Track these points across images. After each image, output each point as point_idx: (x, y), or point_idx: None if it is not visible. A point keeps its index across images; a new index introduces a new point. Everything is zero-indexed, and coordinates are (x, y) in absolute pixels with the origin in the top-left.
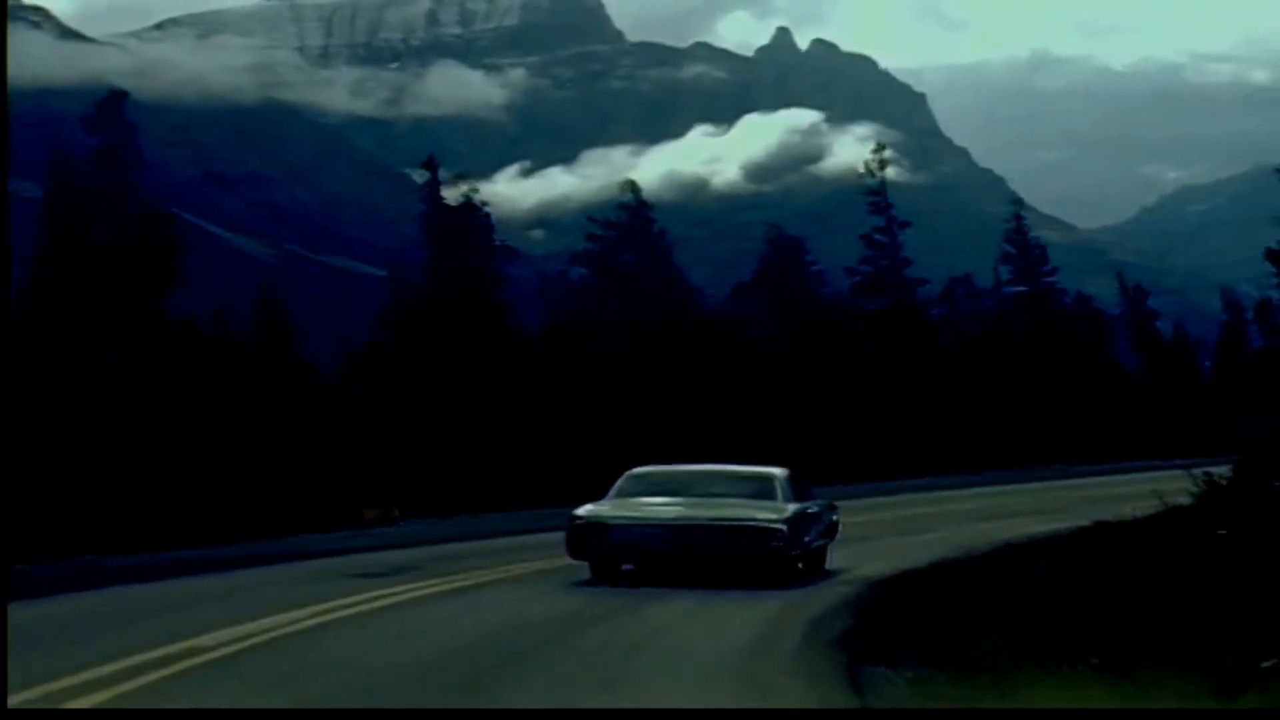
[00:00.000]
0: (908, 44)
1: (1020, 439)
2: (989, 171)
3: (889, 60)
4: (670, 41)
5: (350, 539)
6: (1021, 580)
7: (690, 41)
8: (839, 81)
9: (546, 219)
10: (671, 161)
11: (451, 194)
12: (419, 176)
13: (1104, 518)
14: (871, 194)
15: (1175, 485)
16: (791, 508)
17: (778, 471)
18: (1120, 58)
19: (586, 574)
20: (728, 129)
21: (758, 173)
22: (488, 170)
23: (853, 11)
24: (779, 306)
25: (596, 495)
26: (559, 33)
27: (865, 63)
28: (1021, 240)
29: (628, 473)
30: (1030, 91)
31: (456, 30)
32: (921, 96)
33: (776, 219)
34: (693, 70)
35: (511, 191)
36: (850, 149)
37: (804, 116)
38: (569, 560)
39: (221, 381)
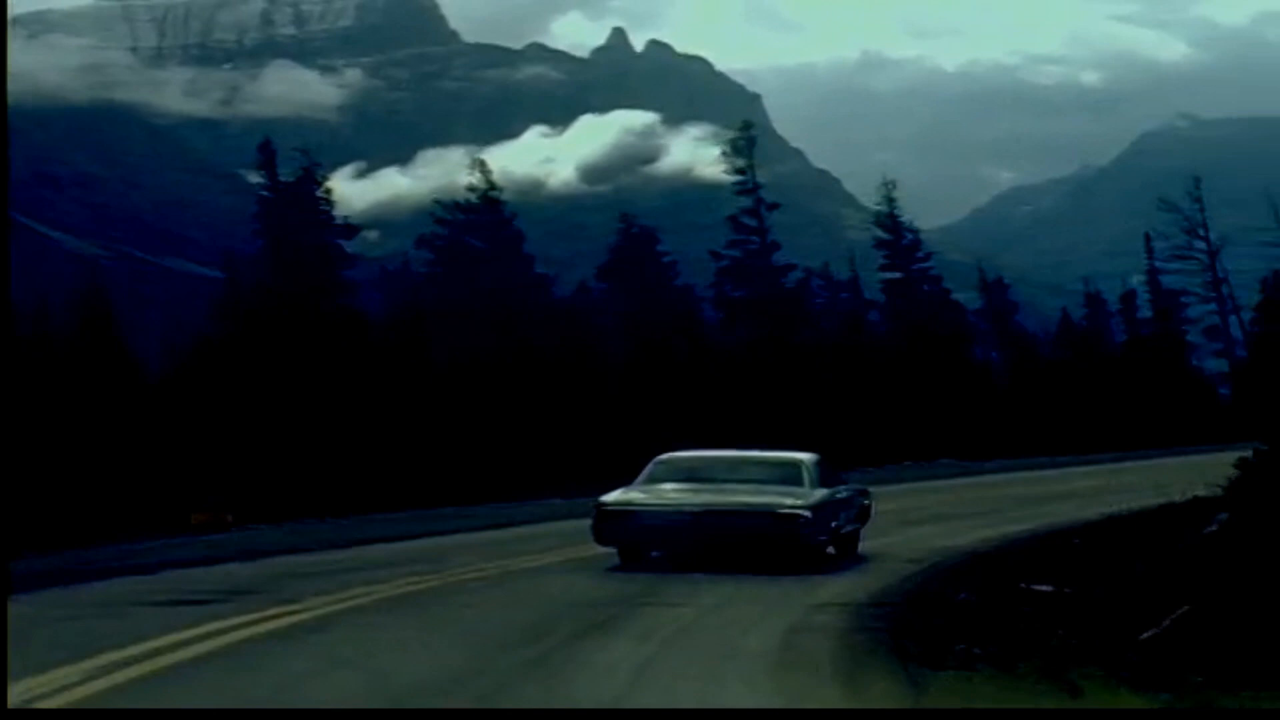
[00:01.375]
0: (742, 45)
1: (898, 433)
2: (825, 172)
3: (724, 61)
4: (506, 43)
5: (174, 549)
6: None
7: (526, 42)
8: (674, 82)
9: (381, 220)
10: (507, 162)
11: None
12: (254, 177)
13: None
14: (738, 173)
15: (1119, 480)
16: (819, 493)
17: (806, 457)
18: (952, 59)
19: (498, 601)
20: (564, 130)
21: (594, 173)
22: (322, 171)
23: (687, 12)
24: (635, 294)
25: (458, 497)
26: (394, 33)
27: (700, 64)
28: (894, 224)
29: (656, 458)
30: (863, 92)
31: (291, 31)
32: (756, 97)
33: (613, 219)
34: (529, 71)
35: (346, 192)
36: (685, 149)
37: (639, 118)
38: (462, 574)
39: (35, 378)
